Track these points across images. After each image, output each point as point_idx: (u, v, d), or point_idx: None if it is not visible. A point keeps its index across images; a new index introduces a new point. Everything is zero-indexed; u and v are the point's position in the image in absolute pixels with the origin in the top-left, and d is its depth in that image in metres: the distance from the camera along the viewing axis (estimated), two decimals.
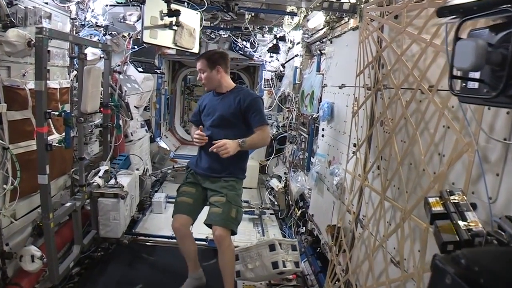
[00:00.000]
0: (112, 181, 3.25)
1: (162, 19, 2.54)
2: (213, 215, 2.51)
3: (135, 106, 4.83)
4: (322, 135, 3.15)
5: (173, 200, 4.17)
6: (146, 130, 5.06)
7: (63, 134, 3.04)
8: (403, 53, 1.48)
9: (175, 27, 2.67)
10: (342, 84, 2.68)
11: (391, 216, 1.80)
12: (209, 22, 3.85)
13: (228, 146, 2.36)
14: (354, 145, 2.32)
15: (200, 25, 2.92)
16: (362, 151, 2.12)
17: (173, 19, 2.61)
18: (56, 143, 2.36)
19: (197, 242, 3.64)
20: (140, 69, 3.92)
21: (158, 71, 4.43)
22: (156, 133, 5.78)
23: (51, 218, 2.41)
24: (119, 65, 3.94)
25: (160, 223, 4.15)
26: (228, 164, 2.60)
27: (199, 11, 2.87)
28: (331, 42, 3.09)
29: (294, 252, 2.86)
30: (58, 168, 3.03)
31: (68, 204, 2.77)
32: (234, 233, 2.57)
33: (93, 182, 3.17)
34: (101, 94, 3.36)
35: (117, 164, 3.95)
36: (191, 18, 2.82)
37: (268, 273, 2.72)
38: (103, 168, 3.21)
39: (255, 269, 2.77)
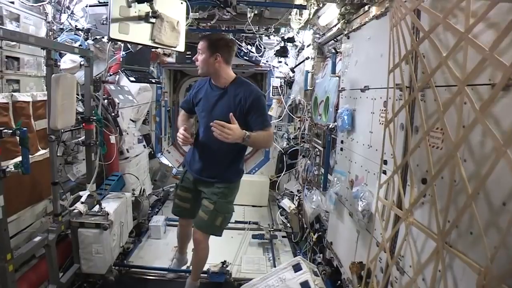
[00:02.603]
0: (97, 208, 2.79)
1: (130, 6, 2.03)
2: (199, 218, 2.52)
3: (131, 120, 4.43)
4: (341, 149, 2.63)
5: (174, 222, 3.80)
6: (144, 145, 4.63)
7: (38, 153, 2.66)
8: (471, 27, 0.96)
9: (152, 20, 2.19)
10: (365, 87, 2.18)
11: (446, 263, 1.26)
12: (205, 22, 3.38)
13: (231, 134, 2.07)
14: (385, 162, 1.80)
15: (187, 18, 2.44)
16: (395, 170, 1.60)
17: (147, 8, 2.10)
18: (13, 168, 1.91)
19: None
20: (132, 78, 3.49)
21: (153, 80, 3.99)
22: (156, 149, 5.35)
23: (10, 260, 1.96)
24: (110, 74, 3.53)
25: (158, 251, 3.67)
26: (222, 169, 2.48)
27: (185, 0, 2.37)
28: (348, 38, 2.60)
29: (317, 277, 2.54)
30: (30, 194, 2.62)
31: (37, 239, 2.32)
32: (219, 235, 2.57)
33: (74, 209, 2.73)
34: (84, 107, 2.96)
35: (109, 185, 3.52)
36: (173, 8, 2.28)
37: None
38: (84, 192, 2.75)
39: None
